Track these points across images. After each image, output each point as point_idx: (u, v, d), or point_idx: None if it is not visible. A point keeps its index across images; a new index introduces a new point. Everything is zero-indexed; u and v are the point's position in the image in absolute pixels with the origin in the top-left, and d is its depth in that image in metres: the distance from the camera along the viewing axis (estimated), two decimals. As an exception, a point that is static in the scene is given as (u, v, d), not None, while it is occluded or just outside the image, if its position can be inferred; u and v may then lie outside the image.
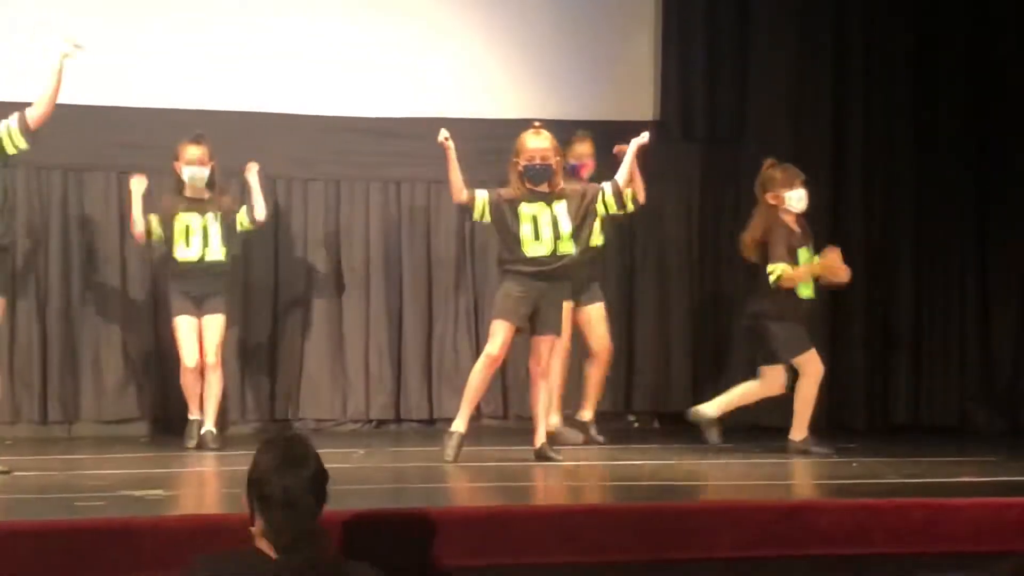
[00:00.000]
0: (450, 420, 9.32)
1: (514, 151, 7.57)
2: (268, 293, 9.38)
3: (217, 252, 8.40)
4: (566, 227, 7.47)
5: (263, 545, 3.95)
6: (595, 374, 8.72)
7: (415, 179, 9.57)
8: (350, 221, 9.53)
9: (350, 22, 9.44)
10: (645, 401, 9.74)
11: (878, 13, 9.72)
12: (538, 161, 7.48)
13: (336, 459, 7.57)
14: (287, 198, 9.45)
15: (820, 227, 9.52)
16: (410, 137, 9.49)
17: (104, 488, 6.21)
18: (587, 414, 8.73)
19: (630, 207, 7.97)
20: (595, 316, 8.66)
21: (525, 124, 9.38)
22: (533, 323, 7.55)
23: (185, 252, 8.35)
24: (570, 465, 7.34)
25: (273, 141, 9.30)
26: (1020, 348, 9.75)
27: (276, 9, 9.36)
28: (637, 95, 9.76)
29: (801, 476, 7.02)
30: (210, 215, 8.39)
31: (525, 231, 7.47)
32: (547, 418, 7.68)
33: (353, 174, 9.54)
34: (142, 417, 9.16)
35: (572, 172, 8.39)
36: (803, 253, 8.13)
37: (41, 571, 4.83)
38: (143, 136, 9.05)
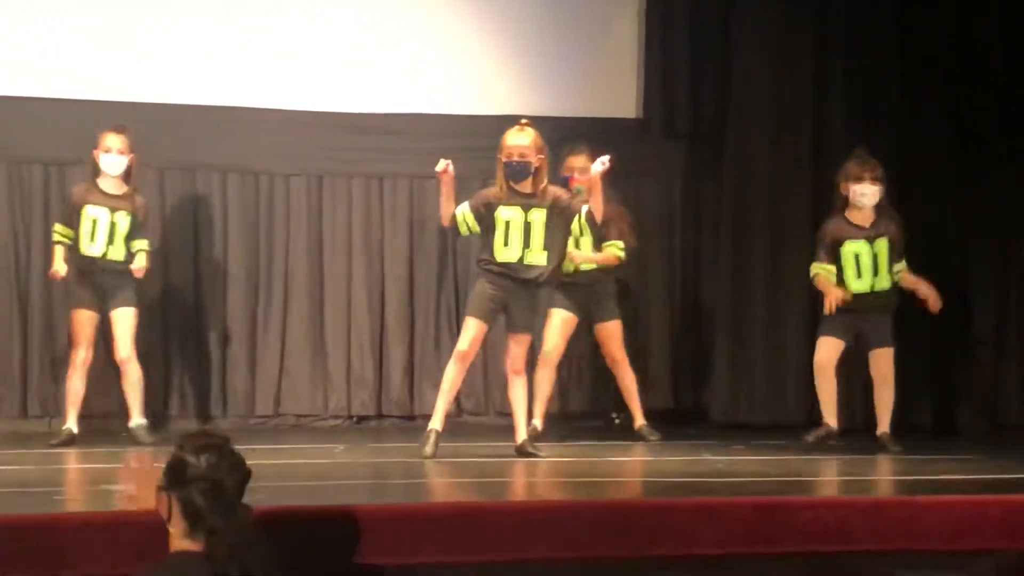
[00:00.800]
0: (430, 416, 9.37)
1: (499, 147, 7.56)
2: (250, 288, 9.36)
3: (119, 251, 8.27)
4: (538, 237, 7.48)
5: (184, 545, 3.91)
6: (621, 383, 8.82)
7: (397, 175, 9.56)
8: (332, 217, 9.51)
9: (333, 18, 9.41)
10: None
11: (861, 8, 9.72)
12: (516, 158, 7.46)
13: (317, 455, 7.62)
14: (269, 194, 9.42)
15: (800, 221, 9.57)
16: (393, 133, 9.49)
17: (84, 483, 6.20)
18: (638, 419, 8.79)
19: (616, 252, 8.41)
20: (608, 333, 8.71)
21: (507, 120, 9.38)
22: (505, 322, 7.58)
23: (90, 247, 8.24)
24: (550, 462, 7.33)
25: (255, 136, 9.28)
26: (1000, 347, 9.75)
27: (260, 5, 9.33)
28: (620, 92, 9.75)
29: (782, 473, 7.01)
30: (120, 213, 8.27)
31: (498, 235, 7.49)
32: (530, 418, 7.70)
33: (336, 170, 9.52)
34: (123, 412, 9.11)
35: (563, 184, 8.38)
36: (854, 245, 8.22)
37: (21, 565, 4.81)
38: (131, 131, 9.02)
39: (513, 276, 7.49)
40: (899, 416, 8.61)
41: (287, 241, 9.44)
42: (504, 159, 7.51)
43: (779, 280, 9.57)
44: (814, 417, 8.66)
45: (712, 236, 9.73)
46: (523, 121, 7.61)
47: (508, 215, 7.50)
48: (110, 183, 8.30)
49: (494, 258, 7.50)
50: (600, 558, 5.27)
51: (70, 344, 8.37)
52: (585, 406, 9.61)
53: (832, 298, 8.11)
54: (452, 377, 7.58)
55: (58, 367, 8.91)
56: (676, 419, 9.20)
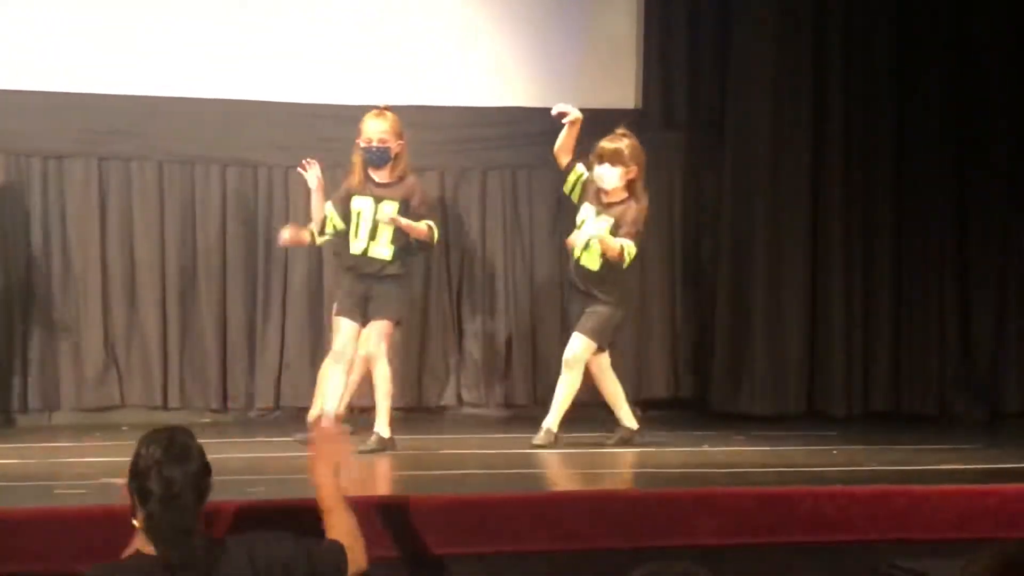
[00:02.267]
0: (431, 408, 9.39)
1: (357, 133, 7.57)
2: (249, 280, 9.35)
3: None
4: (384, 230, 7.48)
5: (141, 541, 3.95)
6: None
7: (396, 167, 9.54)
8: (331, 209, 9.50)
9: (332, 12, 9.39)
10: (625, 389, 9.71)
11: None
12: (375, 143, 7.46)
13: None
14: (268, 185, 9.40)
15: (800, 210, 9.57)
16: (391, 124, 9.47)
17: (84, 476, 6.20)
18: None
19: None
20: None
21: (506, 112, 9.43)
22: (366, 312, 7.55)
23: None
24: (547, 453, 7.33)
25: (255, 129, 9.27)
26: (999, 337, 9.76)
27: (259, -1, 9.34)
28: (618, 82, 9.74)
29: (781, 464, 7.02)
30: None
31: (352, 227, 7.51)
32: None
33: (335, 161, 9.48)
34: (122, 405, 9.13)
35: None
36: None
37: (21, 558, 4.82)
38: (124, 123, 9.02)
39: (359, 269, 7.49)
40: (898, 405, 8.63)
41: (287, 233, 9.43)
42: (363, 144, 7.49)
43: (779, 271, 9.57)
44: (814, 408, 8.67)
45: (712, 227, 9.73)
46: (382, 106, 7.62)
47: (359, 205, 7.50)
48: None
49: (348, 250, 7.48)
50: (600, 549, 5.28)
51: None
52: (585, 397, 9.59)
53: None
54: (330, 378, 7.56)
55: (57, 361, 8.92)
56: (676, 410, 9.20)
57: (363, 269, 7.49)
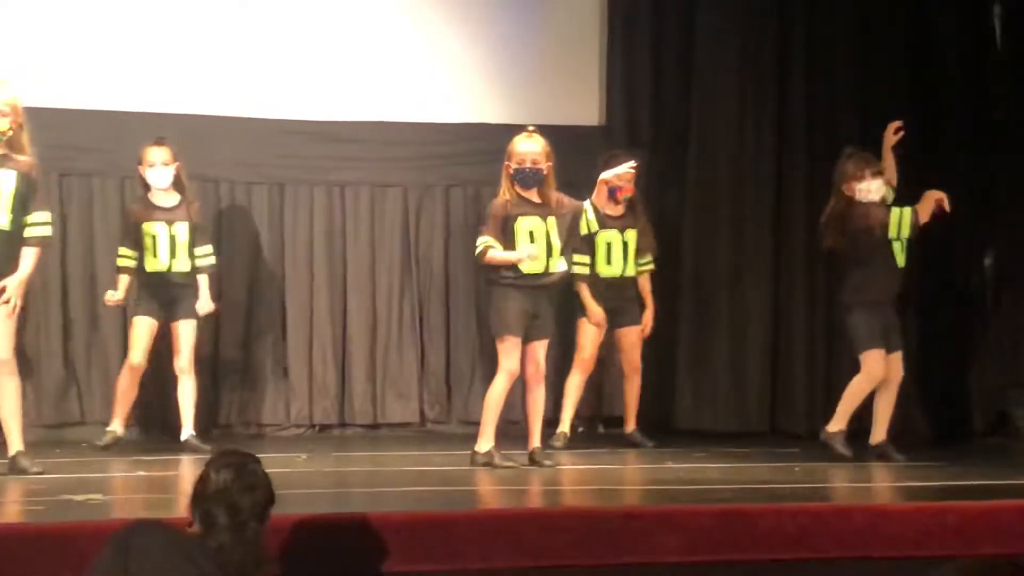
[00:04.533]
0: (393, 425, 9.38)
1: (506, 154, 7.47)
2: (211, 296, 9.31)
3: (183, 263, 8.40)
4: (556, 245, 7.43)
5: None
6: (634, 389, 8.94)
7: (359, 183, 9.56)
8: (294, 225, 9.49)
9: (295, 27, 9.40)
10: (586, 406, 9.73)
11: (821, 17, 9.77)
12: (528, 164, 7.40)
13: (279, 464, 7.58)
14: (231, 201, 9.40)
15: (763, 227, 9.60)
16: (355, 141, 9.49)
17: (44, 492, 6.16)
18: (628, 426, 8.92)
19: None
20: (633, 340, 8.84)
21: (469, 128, 9.44)
22: (528, 330, 7.47)
23: (154, 264, 8.35)
24: (511, 470, 7.33)
25: (217, 144, 9.25)
26: (960, 354, 9.81)
27: (221, 12, 9.31)
28: (583, 99, 9.77)
29: (743, 481, 7.03)
30: (178, 225, 8.38)
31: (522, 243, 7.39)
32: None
33: (297, 177, 9.51)
34: (82, 421, 9.08)
35: (611, 195, 8.47)
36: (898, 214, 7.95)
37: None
38: (85, 139, 8.99)
39: (538, 284, 7.41)
40: (859, 422, 8.63)
41: (248, 249, 9.42)
42: (516, 165, 7.40)
43: (742, 288, 9.60)
44: (776, 426, 8.70)
45: (674, 243, 9.75)
46: (530, 128, 7.52)
47: (529, 225, 7.40)
48: (161, 196, 8.36)
49: (520, 269, 7.38)
50: (562, 566, 5.27)
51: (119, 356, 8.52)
52: (547, 414, 9.58)
53: None
54: (501, 397, 7.41)
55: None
56: (640, 427, 9.19)
57: (537, 283, 7.43)
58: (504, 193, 7.45)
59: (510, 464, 7.31)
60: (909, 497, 6.44)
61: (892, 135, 8.30)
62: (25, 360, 8.87)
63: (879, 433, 8.07)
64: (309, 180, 9.52)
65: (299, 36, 9.39)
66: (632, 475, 7.47)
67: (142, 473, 7.36)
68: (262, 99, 9.32)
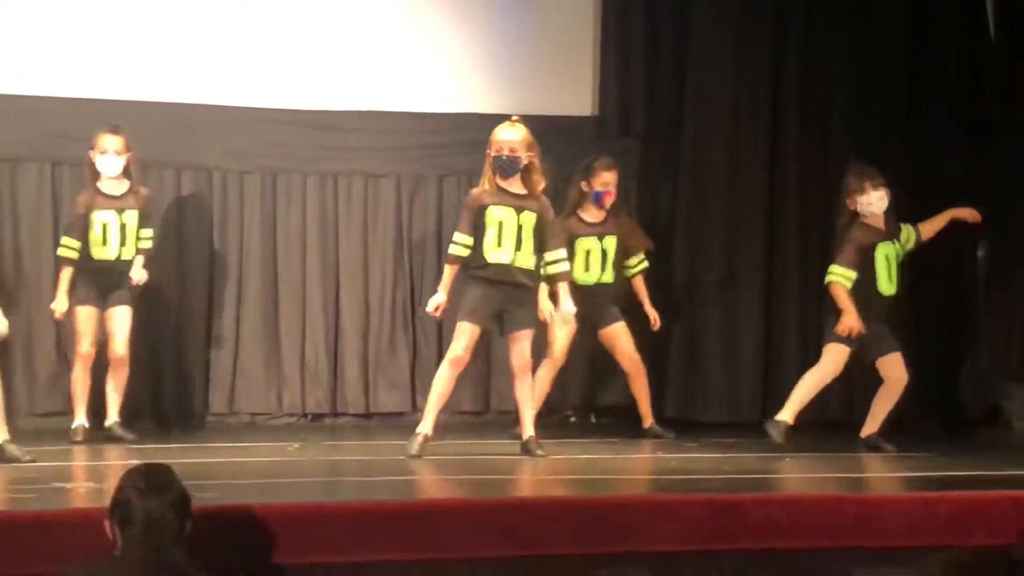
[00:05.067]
0: (385, 414, 9.37)
1: (488, 143, 7.47)
2: (203, 286, 9.32)
3: (131, 251, 8.36)
4: (528, 240, 7.40)
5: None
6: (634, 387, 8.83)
7: (352, 172, 9.54)
8: (287, 214, 9.48)
9: (289, 15, 9.38)
10: (581, 397, 9.74)
11: (817, 9, 9.76)
12: (506, 152, 7.40)
13: (271, 453, 7.60)
14: (223, 191, 9.39)
15: (756, 220, 9.60)
16: (347, 130, 9.47)
17: (36, 481, 6.16)
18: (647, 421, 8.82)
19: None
20: (617, 335, 8.70)
21: (462, 118, 9.43)
22: (503, 322, 7.49)
23: (103, 252, 8.30)
24: (503, 460, 7.33)
25: (209, 133, 9.25)
26: (952, 346, 9.82)
27: (215, 3, 9.29)
28: (576, 90, 9.77)
29: (735, 471, 7.04)
30: (128, 213, 8.34)
31: (489, 236, 7.38)
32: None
33: (290, 167, 9.50)
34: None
35: (597, 199, 8.44)
36: (884, 248, 8.09)
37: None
38: (77, 127, 8.96)
39: (506, 278, 7.41)
40: (851, 413, 8.66)
41: (241, 238, 9.41)
42: (494, 153, 7.41)
43: (734, 279, 9.60)
44: (768, 416, 8.69)
45: (667, 234, 9.75)
46: (514, 118, 7.52)
47: (501, 215, 7.39)
48: (111, 184, 8.31)
49: (485, 259, 7.39)
50: (553, 555, 5.27)
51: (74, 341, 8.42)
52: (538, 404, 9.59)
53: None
54: (445, 383, 7.44)
55: (9, 366, 8.86)
56: (632, 417, 9.19)
57: (506, 278, 7.41)
58: (483, 183, 7.46)
59: (414, 454, 7.25)
60: (901, 488, 6.45)
61: (963, 214, 8.43)
62: (17, 350, 8.90)
63: (871, 427, 8.09)
64: (302, 170, 9.51)
65: (292, 25, 9.37)
66: (624, 465, 7.48)
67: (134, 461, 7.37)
68: (254, 88, 9.31)
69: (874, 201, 8.08)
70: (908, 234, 8.26)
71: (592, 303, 8.49)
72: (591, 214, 8.60)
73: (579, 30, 9.82)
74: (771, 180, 9.66)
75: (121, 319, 8.34)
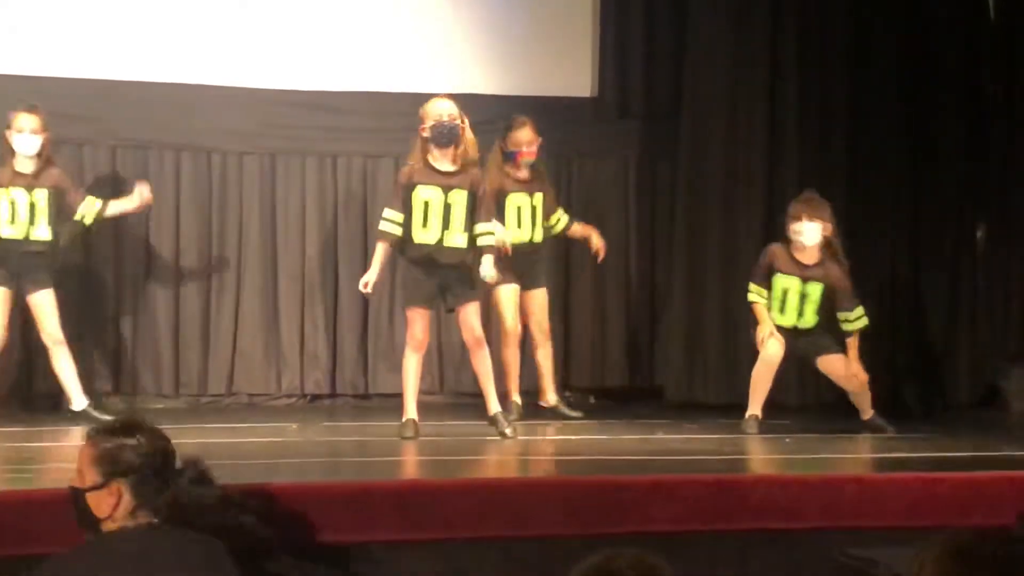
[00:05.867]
0: (384, 395, 9.36)
1: (419, 119, 7.47)
2: (202, 267, 9.32)
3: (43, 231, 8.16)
4: (458, 219, 7.38)
5: (123, 516, 3.97)
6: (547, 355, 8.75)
7: (351, 153, 9.53)
8: (286, 195, 9.46)
9: (286, -6, 9.38)
10: (580, 377, 9.74)
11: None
12: (446, 119, 7.38)
13: (270, 433, 7.61)
14: (222, 172, 9.37)
15: (755, 202, 9.58)
16: (347, 111, 9.45)
17: (33, 460, 6.17)
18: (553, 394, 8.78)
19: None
20: (540, 301, 8.65)
21: (460, 99, 9.36)
22: (446, 299, 7.49)
23: (9, 230, 8.09)
24: (506, 440, 7.33)
25: (208, 114, 9.22)
26: (950, 327, 9.83)
27: (212, -20, 9.29)
28: (574, 71, 9.75)
29: (735, 452, 7.04)
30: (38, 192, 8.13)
31: (416, 216, 7.37)
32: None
33: (289, 148, 9.48)
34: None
35: (511, 159, 8.38)
36: (784, 281, 8.17)
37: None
38: (76, 107, 8.95)
39: (434, 259, 7.39)
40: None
41: (240, 220, 9.40)
42: (432, 122, 7.40)
43: (733, 260, 9.58)
44: (768, 398, 8.71)
45: (666, 216, 9.74)
46: (441, 94, 7.58)
47: (427, 195, 7.38)
48: (25, 163, 8.14)
49: (412, 240, 7.38)
50: (554, 536, 5.28)
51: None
52: (535, 385, 9.60)
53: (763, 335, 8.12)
54: (413, 369, 7.46)
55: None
56: (631, 398, 9.21)
57: (436, 258, 7.40)
58: (412, 159, 7.46)
59: (409, 435, 7.27)
60: (900, 468, 6.46)
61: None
62: (17, 329, 8.89)
63: (866, 412, 8.10)
64: (301, 150, 9.49)
65: (291, 6, 9.34)
66: (623, 446, 7.47)
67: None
68: (254, 69, 9.29)
69: (804, 231, 8.12)
70: (855, 317, 8.23)
71: (526, 262, 8.45)
72: (516, 172, 8.47)
73: (578, 11, 9.80)
74: (770, 159, 9.64)
75: (45, 305, 8.10)
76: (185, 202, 9.29)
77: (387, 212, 7.46)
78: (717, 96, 9.61)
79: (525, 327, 8.61)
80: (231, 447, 6.95)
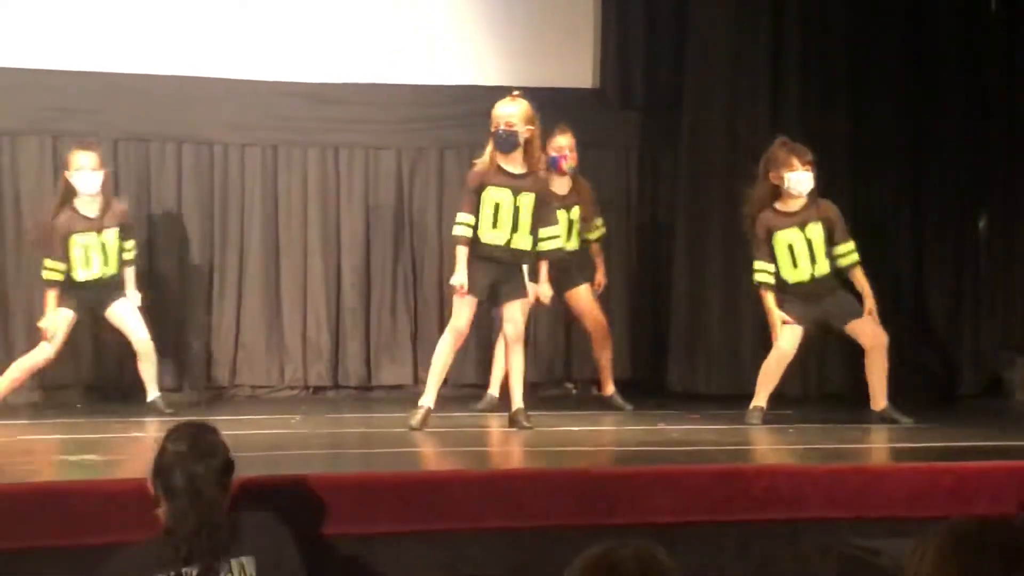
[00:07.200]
0: (387, 387, 9.37)
1: (490, 119, 7.42)
2: (205, 259, 9.33)
3: (113, 268, 8.21)
4: (525, 222, 7.37)
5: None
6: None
7: (353, 145, 9.53)
8: (288, 187, 9.47)
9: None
10: (583, 368, 9.74)
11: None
12: (502, 127, 7.33)
13: (273, 425, 7.61)
14: (224, 164, 9.38)
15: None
16: (349, 103, 9.46)
17: (38, 452, 6.17)
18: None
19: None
20: (584, 298, 8.65)
21: (463, 90, 9.41)
22: (496, 294, 7.47)
23: (85, 273, 8.12)
24: (505, 432, 7.34)
25: (210, 106, 9.24)
26: (953, 316, 9.83)
27: (213, -27, 9.28)
28: (576, 62, 9.75)
29: (738, 442, 7.04)
30: (107, 232, 8.15)
31: (484, 216, 7.34)
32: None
33: (291, 139, 9.48)
34: (77, 383, 9.09)
35: (552, 164, 8.37)
36: (785, 236, 7.94)
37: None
38: (78, 101, 8.97)
39: (499, 259, 7.38)
40: (854, 384, 8.65)
41: (242, 212, 9.41)
42: (492, 128, 7.37)
43: (736, 251, 9.56)
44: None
45: (668, 207, 9.74)
46: (515, 92, 7.45)
47: (497, 197, 7.35)
48: (88, 203, 8.11)
49: (479, 239, 7.35)
50: (557, 527, 5.28)
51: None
52: (540, 376, 9.60)
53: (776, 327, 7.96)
54: (446, 354, 7.41)
55: (11, 339, 8.87)
56: (634, 389, 9.20)
57: (500, 257, 7.38)
58: (484, 159, 7.41)
59: (415, 426, 7.23)
60: (903, 458, 6.45)
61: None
62: (21, 321, 8.90)
63: (879, 401, 8.01)
64: (303, 142, 9.50)
65: (292, -3, 9.36)
66: (626, 437, 7.48)
67: (138, 434, 7.40)
68: (256, 61, 9.29)
69: (803, 180, 7.89)
70: (845, 251, 8.02)
71: (558, 268, 8.43)
72: (556, 185, 8.41)
73: (580, 2, 9.81)
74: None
75: (127, 311, 8.21)
76: (187, 195, 9.30)
77: (460, 216, 7.38)
78: (718, 87, 9.60)
79: (578, 323, 8.84)
80: (234, 439, 6.90)
